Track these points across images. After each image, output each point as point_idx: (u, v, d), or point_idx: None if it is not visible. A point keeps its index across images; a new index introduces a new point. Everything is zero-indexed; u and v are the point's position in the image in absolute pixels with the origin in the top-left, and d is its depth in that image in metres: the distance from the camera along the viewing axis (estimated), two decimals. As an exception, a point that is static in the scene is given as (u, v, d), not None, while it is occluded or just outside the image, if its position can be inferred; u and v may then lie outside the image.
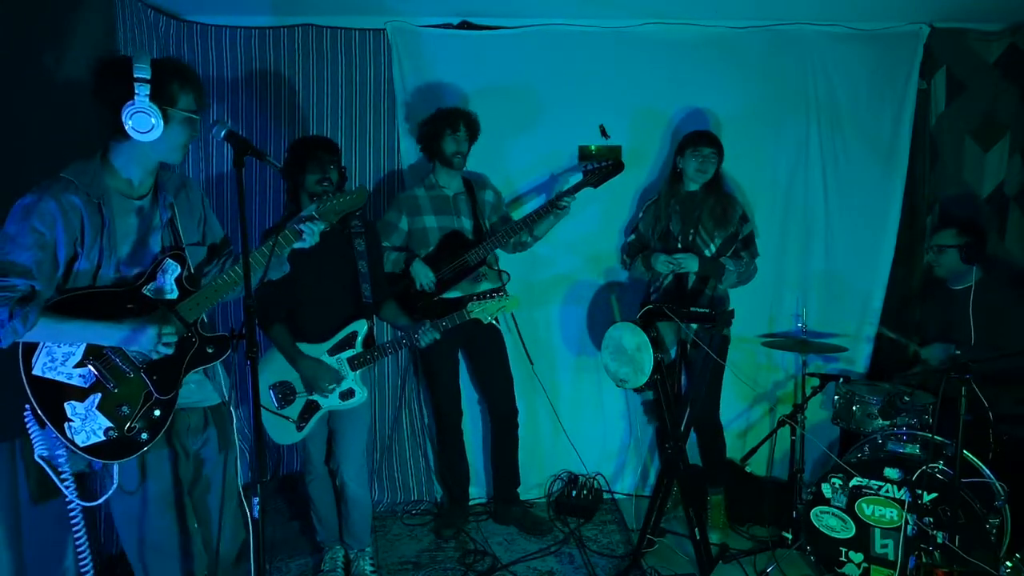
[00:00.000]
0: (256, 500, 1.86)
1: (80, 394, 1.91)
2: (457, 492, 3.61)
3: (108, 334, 1.90)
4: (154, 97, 1.84)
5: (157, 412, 1.98)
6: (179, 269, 2.04)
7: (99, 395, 1.93)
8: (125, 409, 1.95)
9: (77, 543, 2.01)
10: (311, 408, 2.88)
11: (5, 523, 2.40)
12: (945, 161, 3.74)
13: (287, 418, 2.87)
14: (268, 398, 2.85)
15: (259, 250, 2.07)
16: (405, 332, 2.94)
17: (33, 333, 1.83)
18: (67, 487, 1.95)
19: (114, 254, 1.95)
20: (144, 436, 1.96)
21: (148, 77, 1.83)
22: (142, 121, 1.83)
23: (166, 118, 1.87)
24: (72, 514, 1.98)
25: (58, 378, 1.90)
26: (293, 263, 2.33)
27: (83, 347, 1.91)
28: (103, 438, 1.92)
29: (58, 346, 1.90)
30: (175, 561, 2.09)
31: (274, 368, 2.86)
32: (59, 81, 2.71)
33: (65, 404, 1.90)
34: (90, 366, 1.91)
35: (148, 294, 1.99)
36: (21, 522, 2.45)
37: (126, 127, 1.83)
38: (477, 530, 3.53)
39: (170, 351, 1.95)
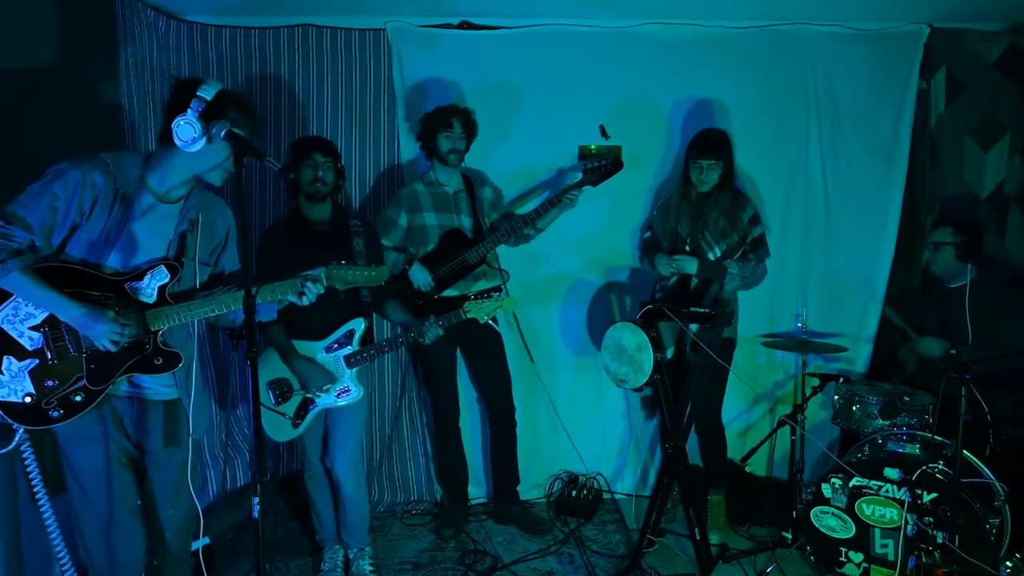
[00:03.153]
0: (256, 500, 1.89)
1: (22, 354, 2.00)
2: (456, 490, 3.61)
3: (66, 310, 1.98)
4: (205, 115, 1.97)
5: (79, 398, 2.05)
6: (167, 278, 2.12)
7: (36, 361, 2.01)
8: (50, 383, 2.03)
9: (38, 497, 2.10)
10: (307, 405, 2.88)
11: (4, 523, 2.40)
12: (945, 161, 3.73)
13: (283, 415, 2.87)
14: (265, 395, 2.86)
15: (262, 291, 2.12)
16: (409, 328, 2.97)
17: (6, 282, 1.93)
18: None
19: (117, 240, 2.04)
20: (55, 414, 2.04)
21: (208, 98, 1.97)
22: (186, 131, 1.96)
23: (210, 136, 1.98)
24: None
25: (11, 332, 2.00)
26: (292, 262, 2.34)
27: (45, 315, 2.00)
28: (19, 400, 2.01)
29: (26, 305, 1.99)
30: (126, 538, 2.19)
31: (272, 365, 2.86)
32: (59, 79, 2.71)
33: (4, 357, 1.99)
34: (42, 333, 2.01)
35: (129, 291, 2.07)
36: (21, 522, 2.46)
37: (173, 134, 1.96)
38: (477, 530, 3.53)
39: (113, 349, 2.03)
